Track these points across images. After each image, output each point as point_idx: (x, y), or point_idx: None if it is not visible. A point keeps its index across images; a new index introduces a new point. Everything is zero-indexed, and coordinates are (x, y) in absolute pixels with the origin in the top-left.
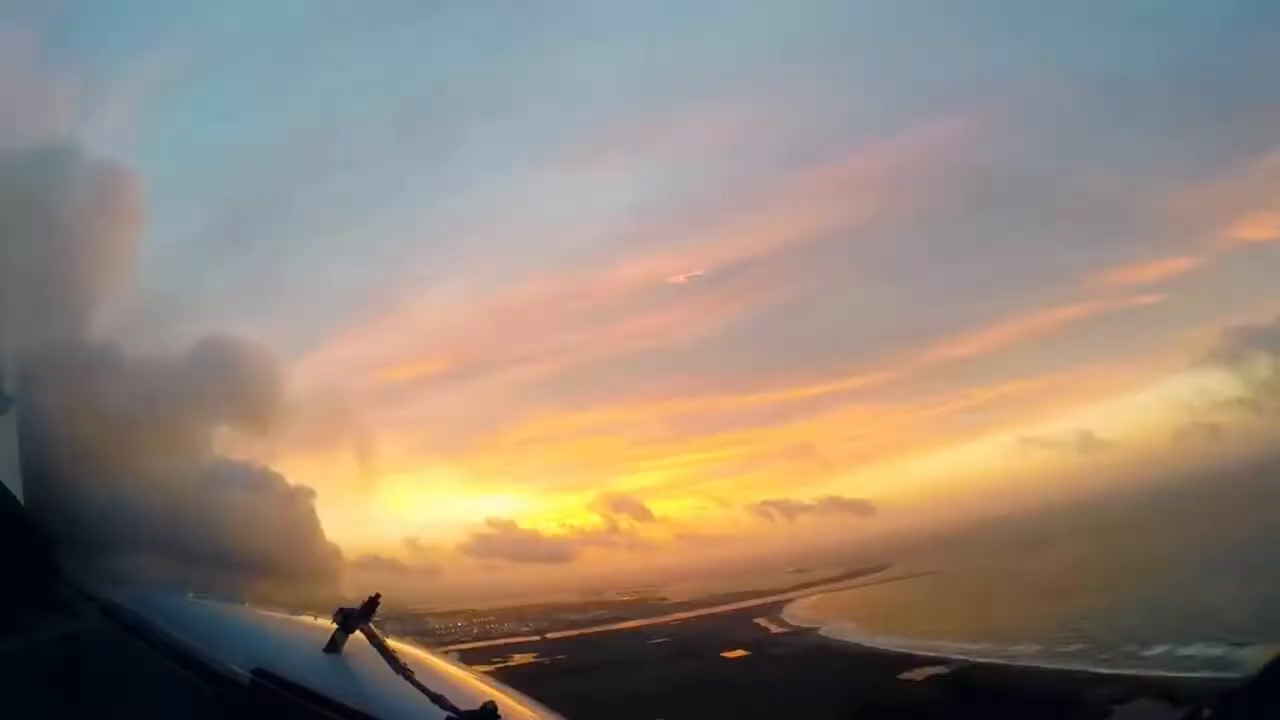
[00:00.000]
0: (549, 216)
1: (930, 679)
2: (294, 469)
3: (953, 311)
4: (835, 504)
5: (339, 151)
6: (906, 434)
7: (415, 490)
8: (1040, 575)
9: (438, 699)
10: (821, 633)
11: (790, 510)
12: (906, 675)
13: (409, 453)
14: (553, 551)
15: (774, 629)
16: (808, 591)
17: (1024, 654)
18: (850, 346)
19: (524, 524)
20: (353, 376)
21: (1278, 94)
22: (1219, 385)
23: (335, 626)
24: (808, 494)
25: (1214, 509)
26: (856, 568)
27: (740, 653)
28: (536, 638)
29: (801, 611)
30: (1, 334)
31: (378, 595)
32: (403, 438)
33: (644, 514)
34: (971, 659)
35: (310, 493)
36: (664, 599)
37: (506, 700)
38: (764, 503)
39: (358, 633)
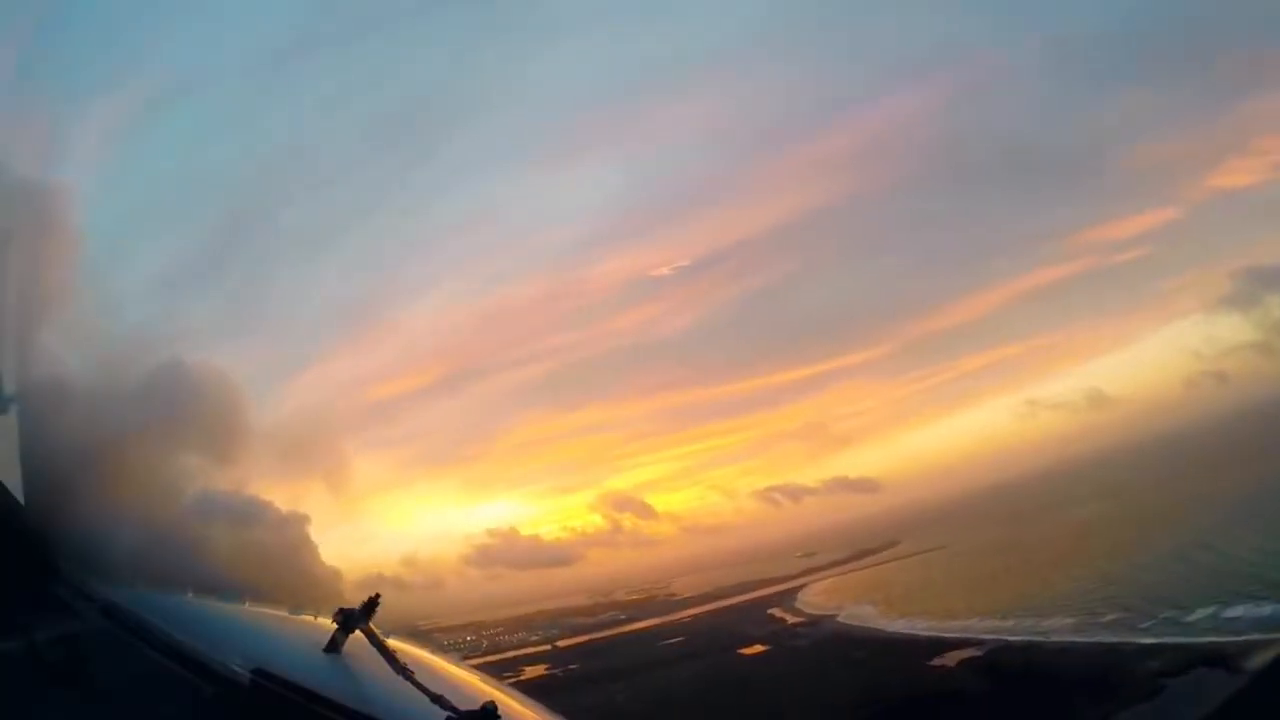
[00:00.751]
0: (528, 219)
1: (963, 663)
2: (286, 495)
3: (939, 282)
4: (840, 484)
5: (314, 171)
6: (902, 408)
7: (414, 504)
8: (1056, 541)
9: (438, 699)
10: (840, 619)
11: (795, 494)
12: (937, 661)
13: (405, 467)
14: (557, 555)
15: (789, 619)
16: (819, 576)
17: (1058, 629)
18: (839, 325)
19: (526, 530)
20: (343, 395)
21: (1243, 44)
22: (1217, 331)
23: (335, 626)
24: (809, 476)
25: (1224, 456)
26: (865, 547)
27: (758, 648)
28: (547, 647)
29: (815, 598)
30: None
31: (377, 595)
32: (397, 453)
33: (646, 510)
34: (1003, 638)
35: (304, 518)
36: (673, 595)
37: (506, 700)
38: (768, 489)
39: (358, 633)
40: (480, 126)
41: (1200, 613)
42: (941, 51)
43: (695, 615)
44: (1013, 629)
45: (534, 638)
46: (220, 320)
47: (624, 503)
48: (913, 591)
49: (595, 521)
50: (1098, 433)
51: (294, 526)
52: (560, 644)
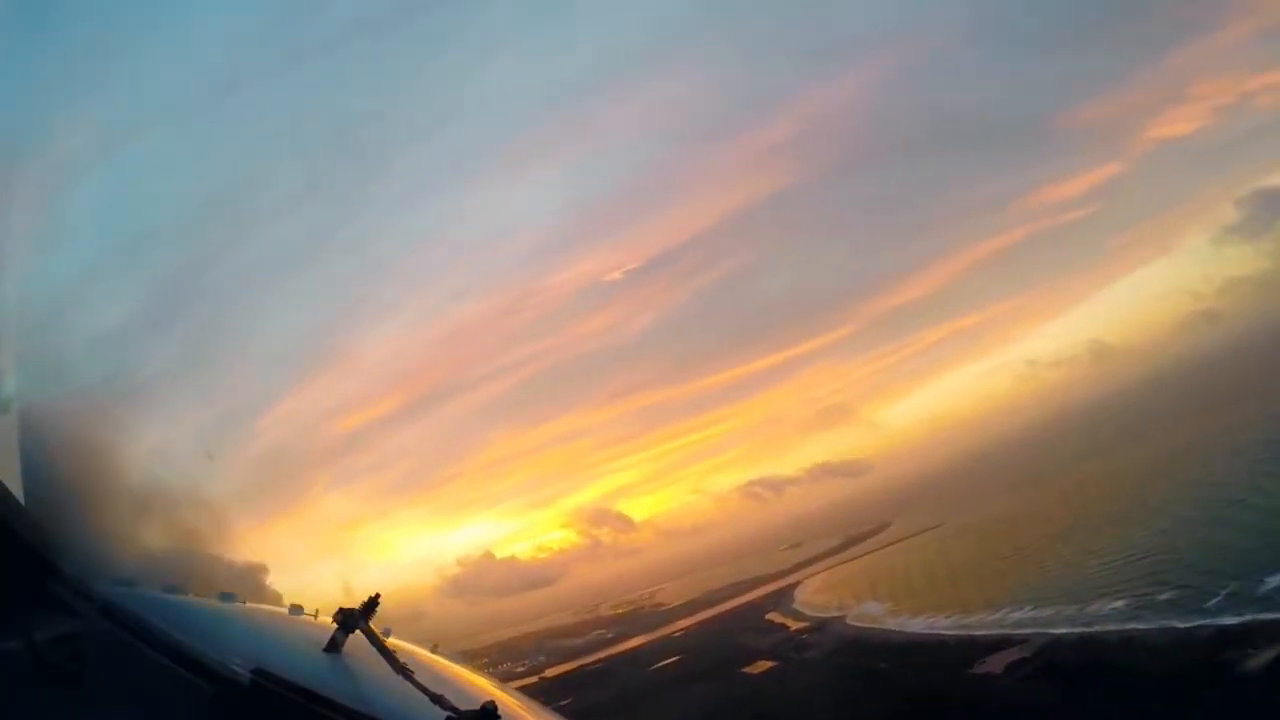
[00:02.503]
0: (476, 237)
1: (1013, 668)
2: (248, 543)
3: (894, 258)
4: (821, 470)
5: (257, 209)
6: (868, 386)
7: (390, 535)
8: (1062, 509)
9: (438, 699)
10: (849, 622)
11: (776, 485)
12: (980, 668)
13: (377, 498)
14: (537, 576)
15: (791, 625)
16: (811, 570)
17: (1109, 615)
18: (799, 311)
19: (505, 550)
20: (310, 430)
21: None
22: (1171, 277)
23: (335, 626)
24: (787, 465)
25: (1211, 397)
26: (854, 533)
27: (765, 664)
28: (535, 679)
29: (814, 596)
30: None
31: (377, 595)
32: (369, 483)
33: (622, 516)
34: (1047, 632)
35: (260, 569)
36: (660, 605)
37: (506, 700)
38: (748, 483)
39: (357, 633)
40: (420, 149)
41: (1273, 581)
42: (876, 30)
43: (687, 627)
44: (1053, 620)
45: (520, 668)
46: (171, 366)
47: (600, 515)
48: (921, 582)
49: (574, 536)
50: (1078, 388)
51: (250, 578)
52: (549, 673)
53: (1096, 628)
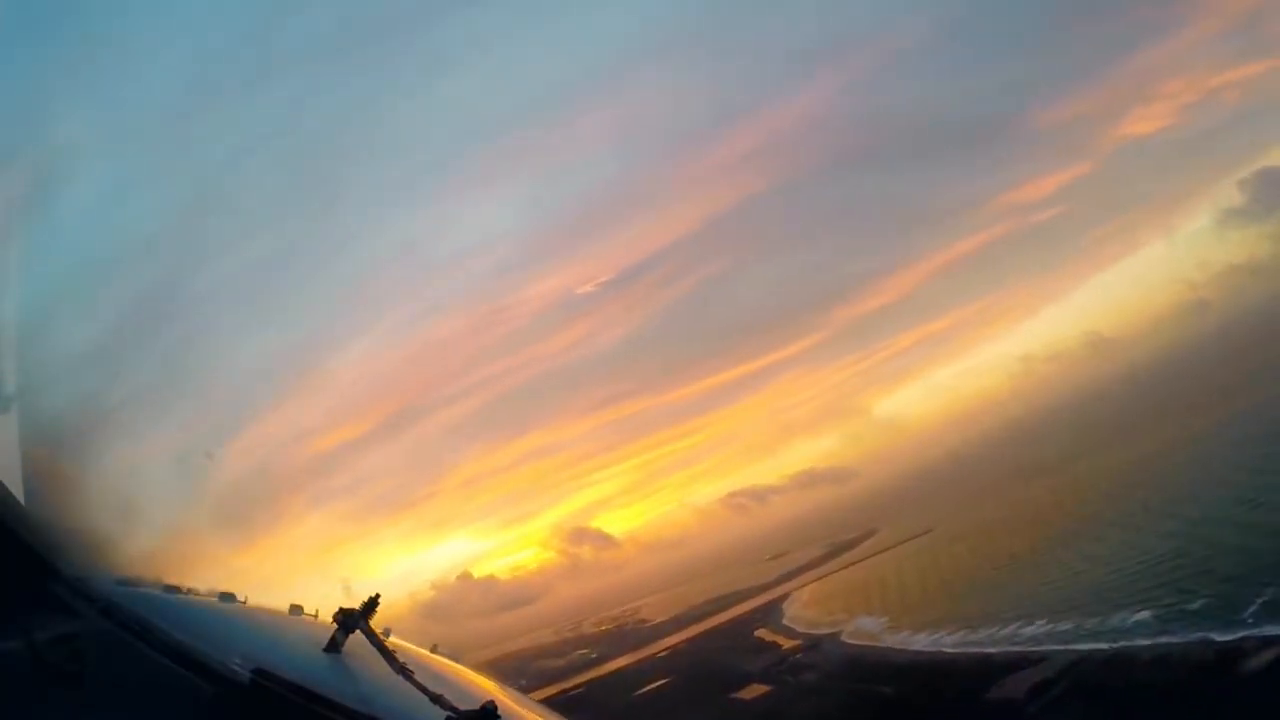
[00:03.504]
0: (446, 253)
1: (1038, 690)
2: (222, 572)
3: (866, 263)
4: (807, 477)
5: (219, 231)
6: (846, 391)
7: (367, 557)
8: (1056, 511)
9: (437, 699)
10: (845, 639)
11: (760, 495)
12: (1000, 691)
13: (352, 520)
14: (517, 593)
15: (783, 643)
16: (798, 581)
17: (1135, 628)
18: (772, 318)
19: (485, 568)
20: (281, 454)
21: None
22: (1142, 273)
23: (335, 626)
24: (768, 473)
25: (1190, 391)
26: (839, 541)
27: (759, 689)
28: None
29: (804, 611)
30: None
31: (377, 595)
32: (344, 506)
33: (602, 533)
34: (1070, 648)
35: (228, 597)
36: (643, 620)
37: (506, 700)
38: (731, 494)
39: (357, 633)
40: (386, 167)
41: None
42: (842, 36)
43: (673, 646)
44: (1073, 635)
45: None
46: (135, 394)
47: (580, 530)
48: (917, 593)
49: (553, 552)
50: (1062, 384)
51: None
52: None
53: (1124, 643)
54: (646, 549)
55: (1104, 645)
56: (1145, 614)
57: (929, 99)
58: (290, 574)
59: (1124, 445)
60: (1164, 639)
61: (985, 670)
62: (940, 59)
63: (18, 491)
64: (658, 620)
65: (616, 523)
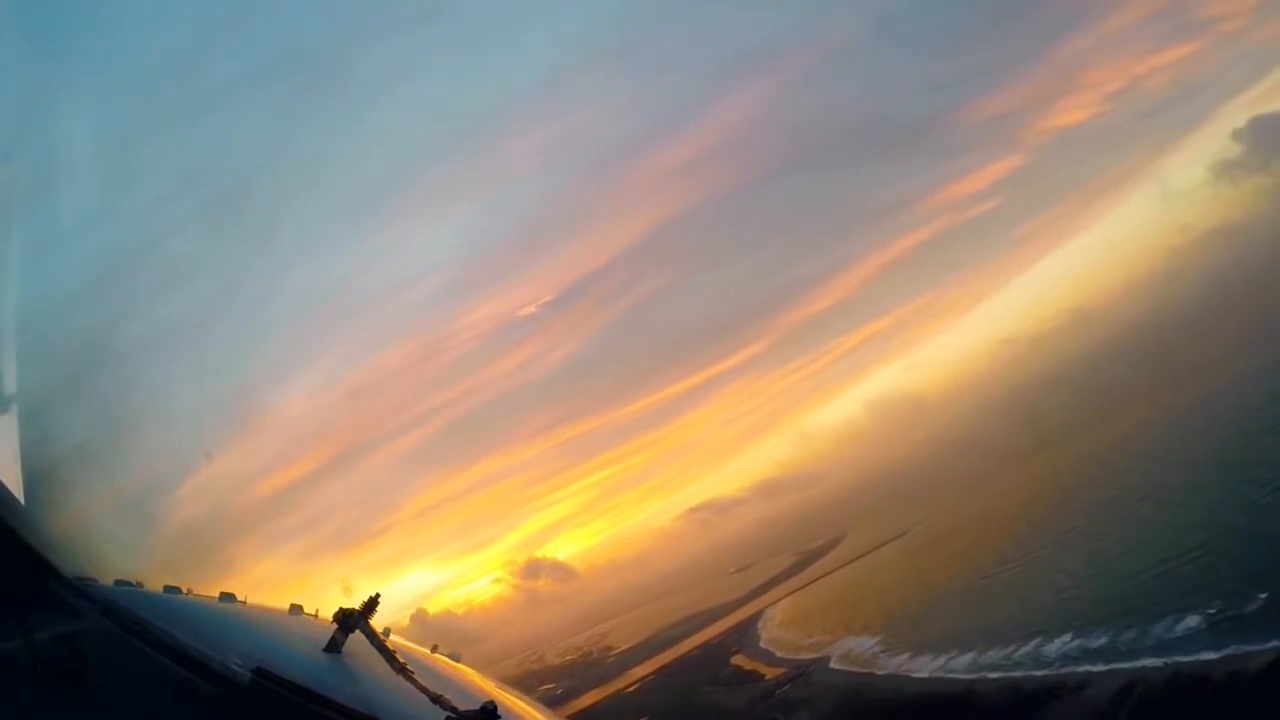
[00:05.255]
0: (385, 283)
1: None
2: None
3: (805, 269)
4: (770, 485)
5: (148, 274)
6: (795, 395)
7: (323, 598)
8: (1042, 509)
9: (437, 699)
10: (835, 665)
11: (723, 508)
12: None
13: (306, 560)
14: (474, 628)
15: (765, 672)
16: (770, 596)
17: (1189, 639)
18: (716, 329)
19: (444, 600)
20: (228, 498)
21: None
22: (1080, 261)
23: (335, 626)
24: (727, 484)
25: (1138, 379)
26: (806, 549)
27: None
28: None
29: (782, 631)
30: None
31: (377, 595)
32: (297, 546)
33: (560, 556)
34: (1113, 667)
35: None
36: (610, 648)
37: (506, 700)
38: (692, 509)
39: (357, 633)
40: (317, 202)
41: None
42: (769, 45)
43: (644, 677)
44: (1111, 650)
45: None
46: (75, 443)
47: (534, 564)
48: (904, 607)
49: (511, 579)
50: (1021, 369)
51: None
52: None
53: (1179, 657)
54: (608, 568)
55: (1155, 661)
56: (1194, 621)
57: (860, 102)
58: None
59: (1106, 425)
60: (1231, 650)
61: (1019, 701)
62: (868, 61)
63: (18, 491)
64: (625, 646)
65: (576, 542)
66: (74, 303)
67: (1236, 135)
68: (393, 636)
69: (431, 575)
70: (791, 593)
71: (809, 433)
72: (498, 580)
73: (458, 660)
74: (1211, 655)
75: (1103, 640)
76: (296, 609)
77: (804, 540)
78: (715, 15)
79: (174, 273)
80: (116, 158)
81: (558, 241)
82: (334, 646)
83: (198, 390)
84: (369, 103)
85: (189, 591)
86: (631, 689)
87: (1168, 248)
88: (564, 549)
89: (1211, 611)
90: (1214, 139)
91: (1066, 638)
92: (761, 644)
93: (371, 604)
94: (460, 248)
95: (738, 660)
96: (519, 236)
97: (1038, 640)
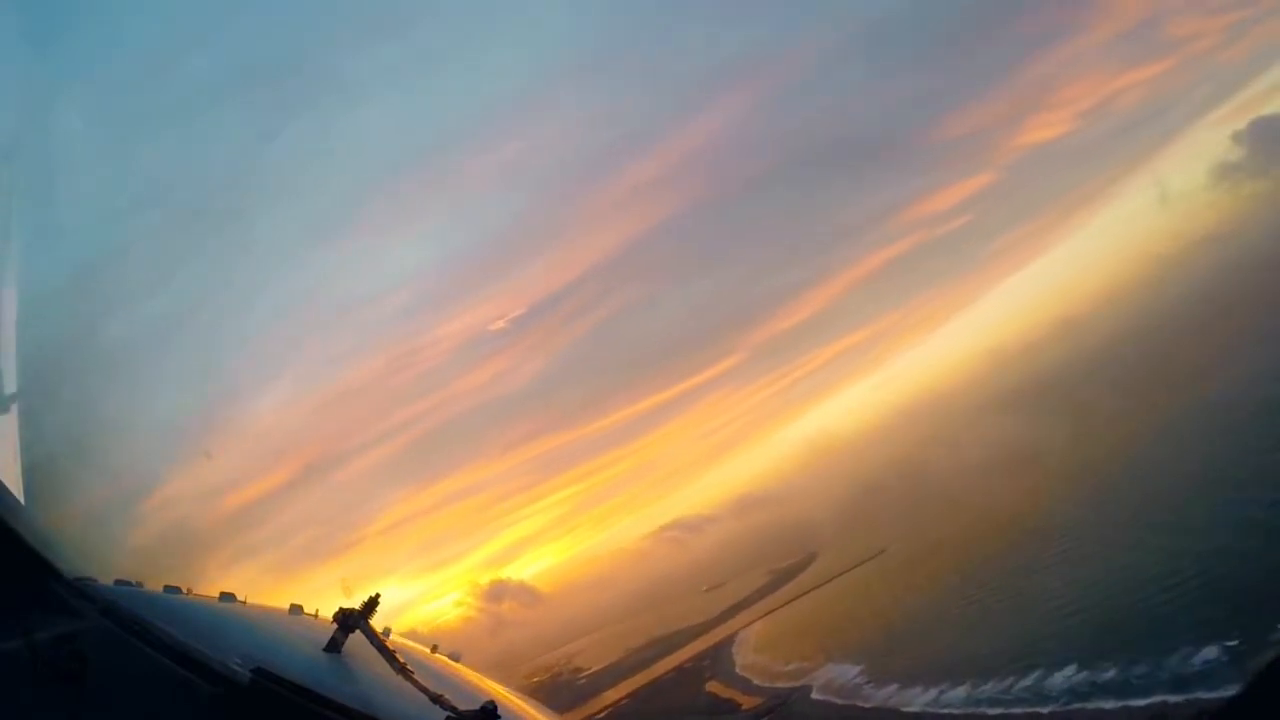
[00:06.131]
0: (354, 296)
1: None
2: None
3: (775, 285)
4: (742, 502)
5: (113, 285)
6: (762, 413)
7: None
8: (1023, 524)
9: (437, 699)
10: (818, 695)
11: (695, 526)
12: None
13: (273, 575)
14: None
15: (742, 701)
16: (743, 618)
17: (1212, 671)
18: (685, 345)
19: (410, 619)
20: (194, 513)
21: (1019, 10)
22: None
23: (335, 626)
24: (699, 501)
25: (1114, 386)
26: (779, 568)
27: None
28: None
29: (758, 656)
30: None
31: (378, 595)
32: (264, 561)
33: (526, 576)
34: (1130, 704)
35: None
36: (579, 670)
37: (506, 700)
38: (664, 527)
39: (357, 633)
40: (285, 215)
41: None
42: (740, 61)
43: (615, 703)
44: (1124, 684)
45: None
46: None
47: (500, 586)
48: (886, 631)
49: (479, 597)
50: (981, 390)
51: None
52: None
53: (1204, 693)
54: (577, 585)
55: (1175, 698)
56: (1212, 652)
57: (833, 118)
58: None
59: (1094, 439)
60: None
61: None
62: (842, 78)
63: (18, 491)
64: (595, 668)
65: (545, 558)
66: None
67: (1218, 147)
68: (393, 636)
69: (399, 591)
70: (765, 614)
71: (780, 449)
72: (459, 604)
73: (458, 660)
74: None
75: (1111, 673)
76: (296, 609)
77: (776, 558)
78: (688, 29)
79: (134, 288)
80: (72, 172)
81: (528, 255)
82: (334, 646)
83: (156, 407)
84: (337, 114)
85: (189, 591)
86: (602, 715)
87: (1148, 259)
88: (532, 566)
89: (1232, 643)
90: (1188, 153)
91: (1070, 670)
92: (737, 670)
93: (372, 604)
94: (430, 261)
95: (713, 687)
96: (489, 250)
97: (1038, 673)
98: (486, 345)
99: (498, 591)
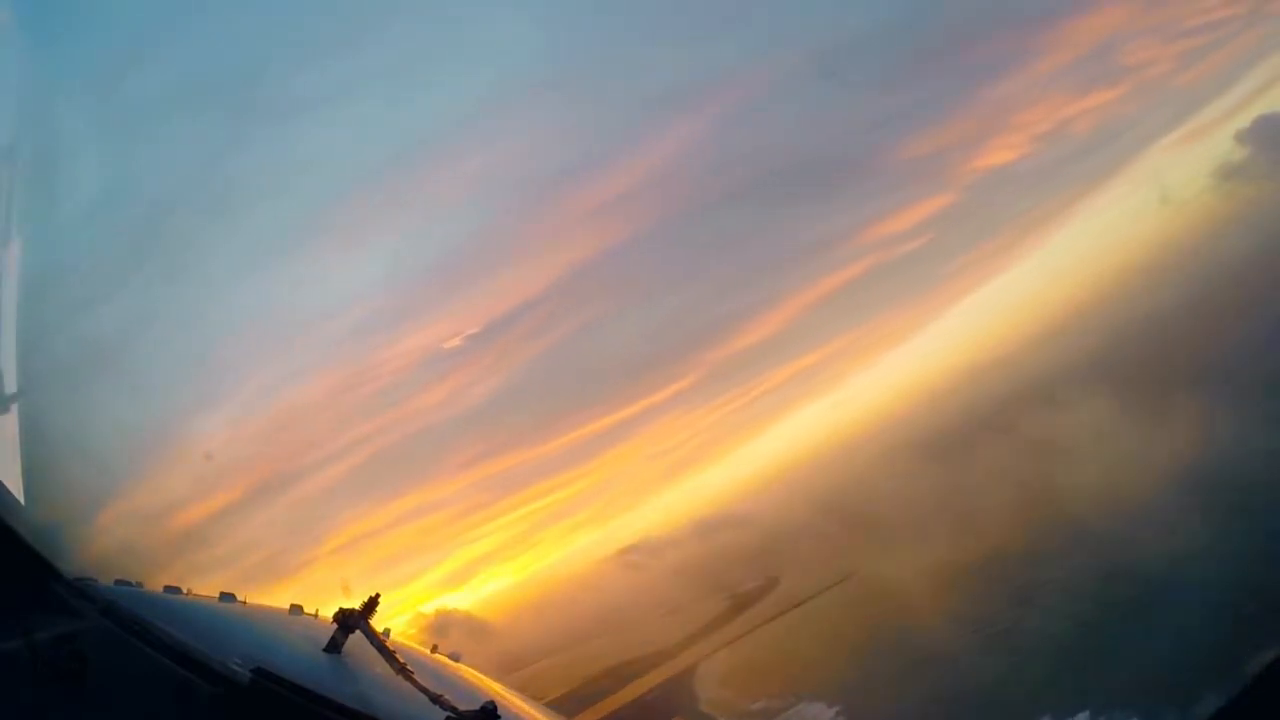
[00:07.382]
0: (304, 313)
1: None
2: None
3: (733, 305)
4: (702, 525)
5: (55, 303)
6: (719, 432)
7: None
8: (1005, 550)
9: (437, 699)
10: None
11: (655, 549)
12: None
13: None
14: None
15: None
16: (705, 645)
17: None
18: (641, 365)
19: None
20: (145, 530)
21: (978, 33)
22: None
23: (335, 626)
24: (651, 518)
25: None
26: (740, 592)
27: None
28: None
29: (723, 689)
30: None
31: (378, 595)
32: (217, 582)
33: (482, 590)
34: None
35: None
36: (534, 699)
37: (506, 700)
38: (622, 551)
39: (357, 633)
40: (236, 230)
41: None
42: (697, 82)
43: None
44: None
45: None
46: None
47: (448, 621)
48: (862, 667)
49: (418, 639)
50: (950, 405)
51: None
52: None
53: None
54: (533, 606)
55: None
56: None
57: (790, 139)
58: None
59: (1081, 452)
60: None
61: None
62: (799, 99)
63: (18, 491)
64: (551, 697)
65: (500, 577)
66: None
67: (1163, 169)
68: (393, 636)
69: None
70: (728, 643)
71: (740, 468)
72: (403, 635)
73: (458, 660)
74: None
75: None
76: (296, 609)
77: (736, 582)
78: (644, 50)
79: (77, 303)
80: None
81: (483, 274)
82: (334, 646)
83: (102, 422)
84: (288, 129)
85: (189, 591)
86: None
87: (1103, 279)
88: (486, 587)
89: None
90: (1141, 176)
91: (1083, 717)
92: (702, 706)
93: (372, 604)
94: (382, 279)
95: None
96: (443, 268)
97: None
98: (442, 363)
99: (443, 624)
